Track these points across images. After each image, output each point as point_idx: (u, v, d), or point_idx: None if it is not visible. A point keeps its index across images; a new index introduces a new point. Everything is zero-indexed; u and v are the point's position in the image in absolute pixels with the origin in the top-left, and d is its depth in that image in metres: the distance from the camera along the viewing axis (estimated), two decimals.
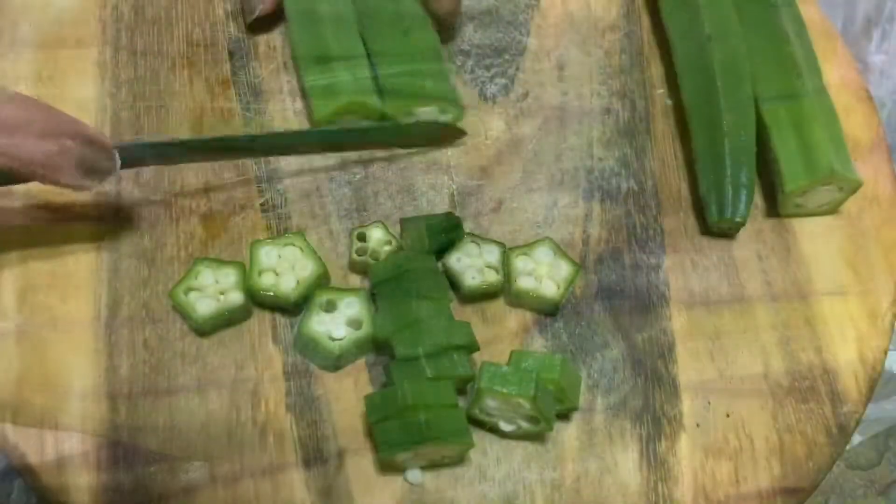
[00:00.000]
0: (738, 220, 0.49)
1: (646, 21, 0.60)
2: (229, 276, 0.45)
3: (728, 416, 0.45)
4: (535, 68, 0.57)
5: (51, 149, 0.39)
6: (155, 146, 0.46)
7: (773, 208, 0.52)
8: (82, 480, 0.41)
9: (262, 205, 0.49)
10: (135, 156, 0.44)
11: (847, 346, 0.48)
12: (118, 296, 0.46)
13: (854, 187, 0.50)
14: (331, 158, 0.51)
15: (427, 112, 0.51)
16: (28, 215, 0.47)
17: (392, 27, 0.53)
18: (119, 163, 0.42)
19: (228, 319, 0.45)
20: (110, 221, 0.48)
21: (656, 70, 0.58)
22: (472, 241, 0.48)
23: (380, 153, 0.52)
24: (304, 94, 0.52)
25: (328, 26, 0.52)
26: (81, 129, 0.40)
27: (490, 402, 0.42)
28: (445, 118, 0.51)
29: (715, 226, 0.50)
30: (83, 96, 0.52)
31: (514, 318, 0.47)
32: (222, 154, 0.48)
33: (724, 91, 0.52)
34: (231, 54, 0.55)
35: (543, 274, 0.47)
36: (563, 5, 0.60)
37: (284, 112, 0.53)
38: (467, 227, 0.50)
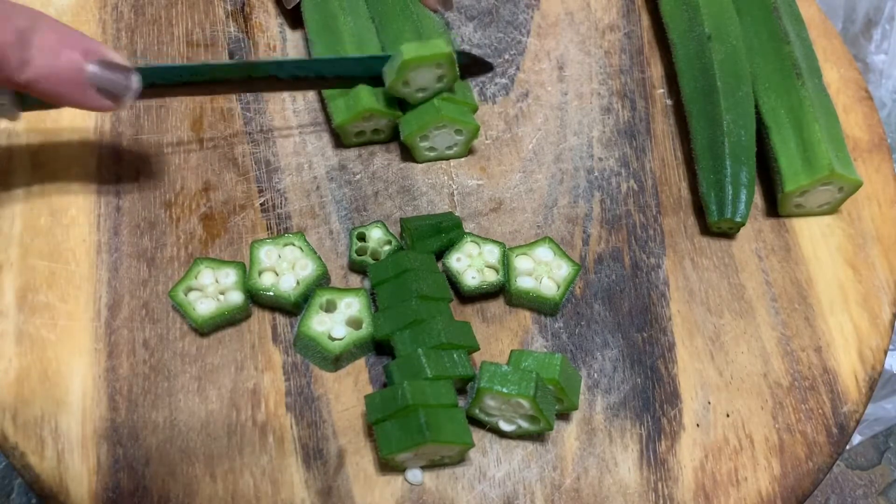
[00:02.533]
0: (738, 219, 0.49)
1: (646, 21, 0.60)
2: (229, 276, 0.45)
3: (728, 416, 0.45)
4: (535, 68, 0.57)
5: (66, 66, 0.40)
6: (173, 69, 0.46)
7: (773, 208, 0.52)
8: (82, 480, 0.41)
9: (261, 205, 0.50)
10: (155, 78, 0.45)
11: (847, 346, 0.48)
12: (118, 296, 0.46)
13: (854, 187, 0.50)
14: (331, 158, 0.52)
15: (444, 134, 0.50)
16: (28, 214, 0.47)
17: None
18: (138, 84, 0.42)
19: (228, 319, 0.45)
20: (110, 221, 0.48)
21: (656, 70, 0.58)
22: (472, 241, 0.48)
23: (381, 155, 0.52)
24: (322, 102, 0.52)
25: (349, 45, 0.51)
26: (98, 49, 0.41)
27: (490, 402, 0.42)
28: (461, 137, 0.51)
29: (715, 225, 0.50)
30: None
31: (514, 318, 0.47)
32: (245, 82, 0.48)
33: (723, 91, 0.52)
34: (231, 54, 0.55)
35: (543, 274, 0.47)
36: (562, 5, 0.60)
37: (284, 112, 0.53)
38: (467, 227, 0.50)
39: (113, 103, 0.42)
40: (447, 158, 0.52)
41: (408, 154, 0.52)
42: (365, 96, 0.49)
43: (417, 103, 0.50)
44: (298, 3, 0.54)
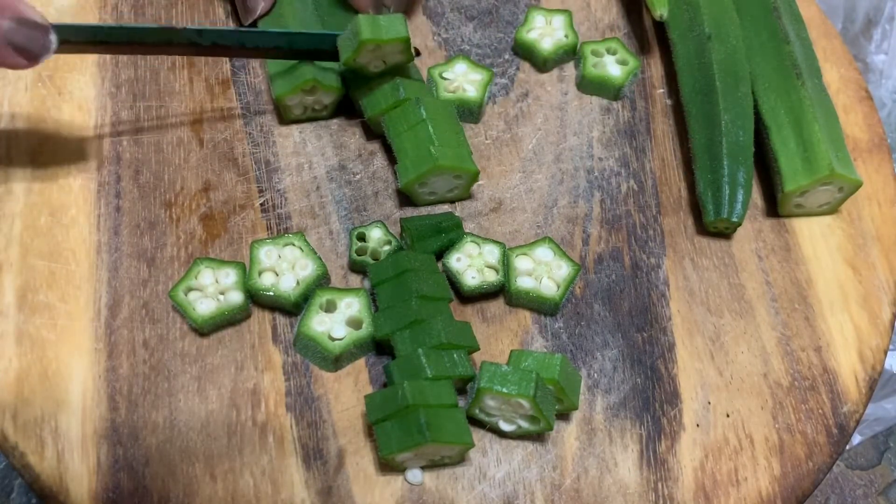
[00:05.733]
0: (734, 220, 0.49)
1: (646, 21, 0.60)
2: (229, 276, 0.45)
3: (728, 416, 0.45)
4: (535, 68, 0.57)
5: None
6: (90, 28, 0.45)
7: (773, 208, 0.52)
8: (82, 480, 0.41)
9: (261, 205, 0.50)
10: (73, 38, 0.43)
11: (847, 346, 0.48)
12: (118, 296, 0.46)
13: (854, 187, 0.50)
14: (331, 158, 0.52)
15: (442, 180, 0.49)
16: (28, 214, 0.47)
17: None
18: (55, 43, 0.42)
19: (228, 319, 0.45)
20: (110, 221, 0.48)
21: (656, 70, 0.58)
22: (472, 241, 0.48)
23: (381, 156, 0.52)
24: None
25: None
26: (13, 5, 0.40)
27: (490, 402, 0.42)
28: (461, 181, 0.49)
29: (711, 225, 0.50)
30: (83, 96, 0.52)
31: (514, 318, 0.47)
32: (164, 46, 0.46)
33: (722, 90, 0.52)
34: None
35: (543, 274, 0.47)
36: (562, 5, 0.60)
37: None
38: (467, 227, 0.50)
39: (28, 61, 0.41)
40: (449, 201, 0.51)
41: None
42: (308, 69, 0.49)
43: (373, 76, 0.49)
44: (255, 22, 0.53)
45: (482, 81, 0.53)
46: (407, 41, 0.47)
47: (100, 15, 0.55)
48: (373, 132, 0.52)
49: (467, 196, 0.51)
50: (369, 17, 0.47)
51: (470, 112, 0.53)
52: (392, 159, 0.50)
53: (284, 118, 0.52)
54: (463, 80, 0.53)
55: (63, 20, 0.54)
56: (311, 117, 0.52)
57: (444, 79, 0.53)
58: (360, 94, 0.51)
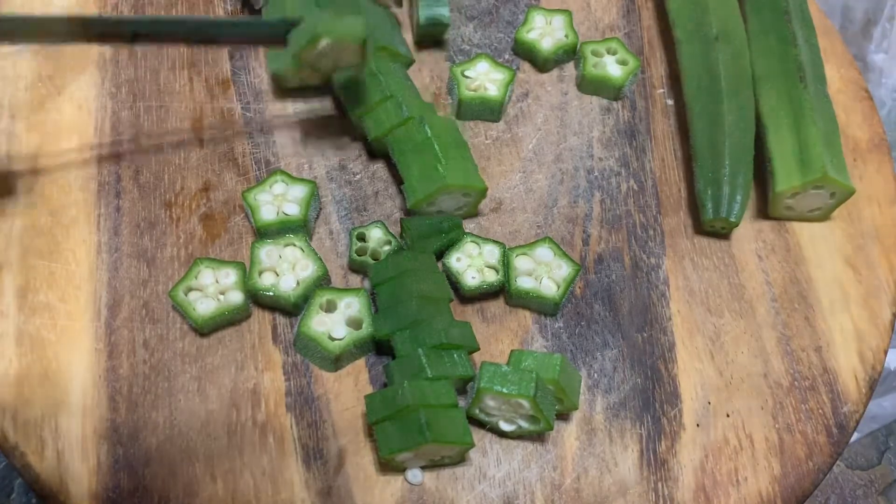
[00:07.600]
0: (732, 219, 0.49)
1: (646, 21, 0.60)
2: (229, 276, 0.45)
3: (728, 416, 0.45)
4: (535, 68, 0.57)
5: None
6: (18, 20, 0.42)
7: None
8: (82, 480, 0.41)
9: None
10: (5, 29, 0.42)
11: (847, 346, 0.48)
12: (118, 296, 0.46)
13: (846, 194, 0.49)
14: (331, 158, 0.52)
15: (451, 198, 0.48)
16: (28, 214, 0.47)
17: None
18: None
19: (228, 319, 0.45)
20: (110, 221, 0.48)
21: (656, 70, 0.58)
22: (472, 241, 0.48)
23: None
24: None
25: None
26: None
27: (490, 402, 0.42)
28: (469, 199, 0.49)
29: (708, 224, 0.50)
30: (83, 96, 0.52)
31: (514, 318, 0.47)
32: (95, 38, 0.43)
33: (727, 92, 0.52)
34: (231, 54, 0.55)
35: (543, 274, 0.47)
36: (562, 5, 0.60)
37: (284, 112, 0.53)
38: (467, 227, 0.50)
39: None
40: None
41: None
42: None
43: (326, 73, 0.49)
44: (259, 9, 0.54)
45: (504, 80, 0.54)
46: (363, 43, 0.46)
47: (100, 14, 0.55)
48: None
49: (475, 213, 0.50)
50: (328, 13, 0.46)
51: (491, 111, 0.53)
52: (392, 162, 0.50)
53: (282, 87, 0.53)
54: (485, 78, 0.53)
55: None
56: (308, 86, 0.53)
57: (466, 77, 0.54)
58: (361, 115, 0.50)
